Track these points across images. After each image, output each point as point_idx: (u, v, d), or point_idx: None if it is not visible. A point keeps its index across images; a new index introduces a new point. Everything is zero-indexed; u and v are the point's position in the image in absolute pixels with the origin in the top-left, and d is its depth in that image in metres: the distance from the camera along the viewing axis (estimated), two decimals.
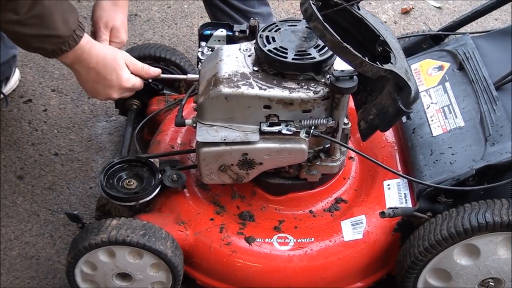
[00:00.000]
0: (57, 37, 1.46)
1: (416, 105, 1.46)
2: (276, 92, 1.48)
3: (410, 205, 1.63)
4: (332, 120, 1.51)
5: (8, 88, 2.28)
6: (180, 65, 2.02)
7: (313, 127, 1.50)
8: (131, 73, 1.67)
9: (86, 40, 1.54)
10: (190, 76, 1.78)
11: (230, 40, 1.79)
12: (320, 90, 1.48)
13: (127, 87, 1.67)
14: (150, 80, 1.97)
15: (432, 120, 1.71)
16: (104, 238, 1.50)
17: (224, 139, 1.51)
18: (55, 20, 1.43)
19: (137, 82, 1.69)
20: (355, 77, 1.45)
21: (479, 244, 1.48)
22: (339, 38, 1.37)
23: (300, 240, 1.61)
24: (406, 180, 1.68)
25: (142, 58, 1.97)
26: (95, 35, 1.73)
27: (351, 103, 1.67)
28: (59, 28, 1.45)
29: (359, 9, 1.58)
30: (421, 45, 1.96)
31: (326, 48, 1.50)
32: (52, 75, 2.40)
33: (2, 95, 2.20)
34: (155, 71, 1.73)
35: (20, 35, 1.46)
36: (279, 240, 1.62)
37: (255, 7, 2.22)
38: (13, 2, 1.37)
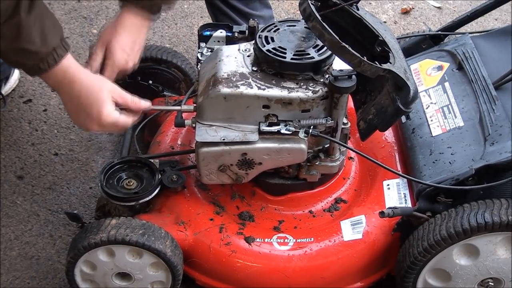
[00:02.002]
0: (33, 53, 1.36)
1: (415, 104, 1.46)
2: (275, 92, 1.48)
3: (410, 205, 1.63)
4: (331, 120, 1.52)
5: (7, 88, 2.28)
6: (181, 67, 2.02)
7: (312, 127, 1.50)
8: (120, 106, 1.51)
9: (70, 62, 1.42)
10: (184, 107, 1.60)
11: (230, 40, 1.79)
12: (319, 90, 1.48)
13: (108, 122, 1.48)
14: (151, 82, 1.98)
15: (431, 120, 1.71)
16: (104, 237, 1.50)
17: (223, 139, 1.51)
18: (32, 34, 1.33)
19: (121, 120, 1.50)
20: (353, 76, 1.45)
21: (479, 244, 1.48)
22: (337, 38, 1.38)
23: (299, 240, 1.62)
24: (405, 180, 1.68)
25: (143, 60, 1.97)
26: (105, 69, 1.63)
27: (351, 103, 1.67)
28: (36, 43, 1.34)
29: (357, 9, 1.58)
30: (420, 45, 1.96)
31: (325, 48, 1.50)
32: None
33: (0, 96, 2.20)
34: (145, 103, 1.55)
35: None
36: (279, 240, 1.62)
37: (257, 9, 2.22)
38: None
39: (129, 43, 1.65)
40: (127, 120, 1.52)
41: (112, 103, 1.48)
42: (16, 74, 2.32)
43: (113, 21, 1.66)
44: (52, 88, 1.51)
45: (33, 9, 1.33)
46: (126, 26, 1.63)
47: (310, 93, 1.48)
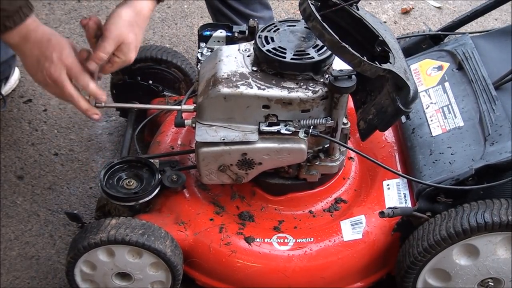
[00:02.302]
0: (1, 11, 1.37)
1: (415, 104, 1.46)
2: (275, 92, 1.48)
3: (410, 205, 1.63)
4: (331, 120, 1.52)
5: (7, 88, 2.28)
6: (181, 67, 2.02)
7: (312, 127, 1.50)
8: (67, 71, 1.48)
9: (33, 19, 1.44)
10: (184, 107, 1.57)
11: (230, 40, 1.79)
12: (319, 90, 1.48)
13: (54, 77, 1.47)
14: (151, 82, 1.98)
15: (431, 120, 1.71)
16: (104, 237, 1.51)
17: (223, 139, 1.51)
18: None
19: (67, 87, 1.48)
20: (353, 76, 1.45)
21: (478, 244, 1.48)
22: (337, 38, 1.38)
23: (299, 240, 1.62)
24: (405, 180, 1.68)
25: (143, 60, 1.98)
26: (100, 40, 1.53)
27: (351, 103, 1.67)
28: (3, 2, 1.36)
29: (357, 9, 1.58)
30: (420, 45, 1.96)
31: (325, 48, 1.50)
32: None
33: (0, 96, 2.20)
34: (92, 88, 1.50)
35: None
36: (279, 240, 1.62)
37: (258, 11, 2.22)
38: None
39: (140, 40, 1.58)
40: (72, 92, 1.49)
41: (61, 66, 1.47)
42: (16, 74, 2.32)
43: (121, 12, 1.53)
44: (12, 47, 1.49)
45: None
46: (141, 21, 1.55)
47: (310, 93, 1.48)
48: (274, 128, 1.50)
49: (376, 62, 1.40)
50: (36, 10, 2.67)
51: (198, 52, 1.76)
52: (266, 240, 1.61)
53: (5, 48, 2.14)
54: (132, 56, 1.55)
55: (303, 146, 1.53)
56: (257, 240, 1.61)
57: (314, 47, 1.51)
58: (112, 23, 1.51)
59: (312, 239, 1.61)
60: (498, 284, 1.55)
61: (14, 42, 1.47)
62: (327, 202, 1.71)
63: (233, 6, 2.17)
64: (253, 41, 1.56)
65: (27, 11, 1.43)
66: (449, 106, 1.71)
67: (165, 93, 2.00)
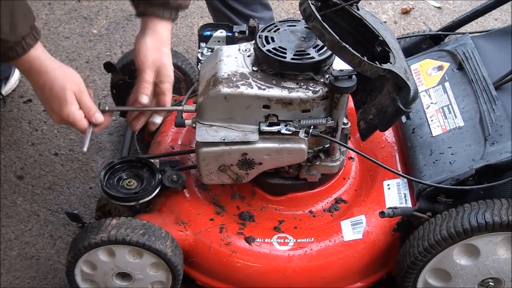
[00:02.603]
0: (2, 41, 1.34)
1: (415, 104, 1.46)
2: (275, 92, 1.48)
3: (410, 205, 1.63)
4: (331, 120, 1.52)
5: (8, 88, 2.28)
6: (181, 67, 2.02)
7: (312, 127, 1.50)
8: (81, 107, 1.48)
9: (38, 52, 1.41)
10: (186, 107, 1.57)
11: (230, 41, 1.79)
12: (319, 90, 1.48)
13: (66, 121, 1.48)
14: None
15: (431, 120, 1.71)
16: (104, 237, 1.50)
17: (224, 139, 1.51)
18: (0, 22, 1.32)
19: (79, 122, 1.48)
20: (354, 76, 1.45)
21: (479, 244, 1.48)
22: (338, 38, 1.37)
23: (300, 240, 1.62)
24: (406, 180, 1.68)
25: None
26: (139, 74, 1.55)
27: (351, 103, 1.67)
28: (4, 31, 1.33)
29: (358, 9, 1.58)
30: (420, 45, 1.96)
31: (325, 48, 1.50)
32: None
33: (0, 96, 2.20)
34: (99, 119, 1.51)
35: None
36: (279, 240, 1.62)
37: (258, 11, 2.22)
38: None
39: (171, 57, 1.61)
40: (82, 123, 1.49)
41: (74, 103, 1.46)
42: (16, 75, 2.32)
43: (146, 42, 1.53)
44: (22, 74, 1.49)
45: None
46: (165, 40, 1.56)
47: (310, 93, 1.48)
48: (274, 128, 1.50)
49: (377, 62, 1.40)
50: (36, 10, 2.68)
51: (199, 52, 1.77)
52: (266, 240, 1.61)
53: None
54: (172, 75, 1.58)
55: (304, 146, 1.53)
56: (258, 240, 1.61)
57: (314, 47, 1.51)
58: (142, 55, 1.52)
59: (312, 239, 1.61)
60: (498, 284, 1.55)
61: (21, 70, 1.46)
62: (327, 202, 1.71)
63: (233, 7, 2.17)
64: (254, 41, 1.56)
65: (31, 42, 1.40)
66: (450, 106, 1.71)
67: None
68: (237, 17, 2.17)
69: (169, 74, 1.57)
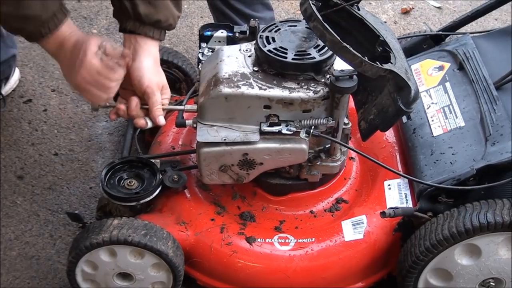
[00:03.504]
0: (34, 18, 1.36)
1: (416, 105, 1.46)
2: (276, 92, 1.48)
3: (411, 205, 1.63)
4: (332, 120, 1.52)
5: (7, 88, 2.28)
6: (182, 67, 2.02)
7: (313, 127, 1.50)
8: (107, 52, 1.46)
9: (69, 26, 1.42)
10: (187, 107, 1.58)
11: (231, 41, 1.79)
12: (320, 90, 1.48)
13: (90, 68, 1.45)
14: None
15: (432, 120, 1.71)
16: (106, 238, 1.50)
17: (225, 139, 1.51)
18: (32, 1, 1.33)
19: (102, 70, 1.45)
20: (354, 77, 1.45)
21: (480, 244, 1.48)
22: (338, 38, 1.37)
23: (300, 240, 1.62)
24: (406, 180, 1.68)
25: None
26: (148, 98, 1.53)
27: (352, 103, 1.67)
28: (36, 8, 1.34)
29: (358, 9, 1.58)
30: (421, 45, 1.96)
31: (326, 48, 1.50)
32: (52, 75, 2.40)
33: (0, 96, 2.20)
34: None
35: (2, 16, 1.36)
36: (280, 240, 1.62)
37: (259, 11, 2.22)
38: None
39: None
40: (109, 72, 1.46)
41: (95, 53, 1.44)
42: (16, 75, 2.32)
43: (144, 64, 1.52)
44: (51, 54, 1.49)
45: None
46: (157, 63, 1.56)
47: (311, 93, 1.48)
48: (275, 128, 1.50)
49: (377, 62, 1.41)
50: None
51: (199, 52, 1.77)
52: (267, 240, 1.61)
53: (5, 48, 2.14)
54: (170, 92, 1.59)
55: (304, 146, 1.53)
56: (258, 240, 1.60)
57: (315, 47, 1.51)
58: (147, 79, 1.51)
59: (313, 239, 1.61)
60: (499, 284, 1.55)
61: (52, 49, 1.46)
62: (328, 202, 1.71)
63: (235, 7, 2.17)
64: (254, 41, 1.56)
65: (61, 17, 1.41)
66: (450, 106, 1.71)
67: None
68: (238, 16, 2.17)
69: (169, 92, 1.59)
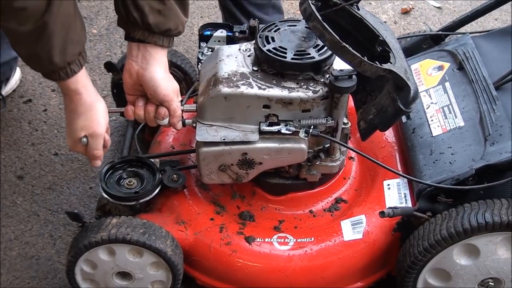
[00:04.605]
0: (48, 63, 1.35)
1: (415, 104, 1.46)
2: (276, 91, 1.48)
3: (410, 205, 1.63)
4: (332, 120, 1.52)
5: (8, 88, 2.28)
6: (182, 67, 2.02)
7: (312, 127, 1.50)
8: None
9: (80, 79, 1.41)
10: (186, 107, 1.59)
11: (230, 40, 1.79)
12: (319, 90, 1.48)
13: (75, 149, 1.55)
14: None
15: (432, 120, 1.71)
16: (104, 236, 1.50)
17: (224, 139, 1.51)
18: (52, 43, 1.31)
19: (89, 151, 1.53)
20: (354, 76, 1.45)
21: (479, 244, 1.48)
22: (338, 38, 1.38)
23: (300, 240, 1.62)
24: (406, 180, 1.68)
25: None
26: (168, 106, 1.54)
27: (351, 103, 1.67)
28: (53, 55, 1.33)
29: (358, 9, 1.58)
30: (421, 45, 1.96)
31: (326, 48, 1.50)
32: None
33: (0, 96, 2.20)
34: (97, 162, 1.57)
35: (17, 43, 1.36)
36: (279, 240, 1.62)
37: (269, 14, 2.21)
38: (20, 11, 1.26)
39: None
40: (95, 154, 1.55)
41: (78, 137, 1.49)
42: (17, 75, 2.32)
43: (157, 73, 1.51)
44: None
45: (60, 15, 1.30)
46: (168, 70, 1.56)
47: (310, 93, 1.48)
48: (274, 128, 1.50)
49: (377, 62, 1.41)
50: None
51: (199, 52, 1.77)
52: (266, 239, 1.61)
53: (7, 49, 2.14)
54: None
55: (304, 146, 1.53)
56: (258, 239, 1.61)
57: (314, 47, 1.51)
58: (161, 87, 1.51)
59: (312, 239, 1.61)
60: (498, 284, 1.55)
61: (61, 88, 1.45)
62: (327, 202, 1.71)
63: (246, 9, 2.16)
64: (254, 41, 1.56)
65: (75, 68, 1.39)
66: (450, 106, 1.71)
67: None
68: (247, 19, 2.16)
69: (180, 96, 1.60)
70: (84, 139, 1.50)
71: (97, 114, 1.48)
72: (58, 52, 1.33)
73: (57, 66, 1.35)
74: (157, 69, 1.50)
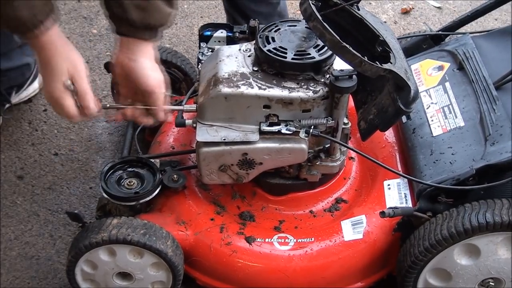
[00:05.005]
0: (20, 23, 1.35)
1: (415, 104, 1.46)
2: (276, 91, 1.48)
3: (410, 205, 1.63)
4: (332, 120, 1.52)
5: (23, 95, 2.23)
6: (182, 67, 2.02)
7: (312, 127, 1.50)
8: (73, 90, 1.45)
9: (53, 35, 1.40)
10: (187, 107, 1.60)
11: (230, 41, 1.79)
12: (319, 90, 1.48)
13: (50, 97, 1.46)
14: None
15: (432, 120, 1.71)
16: (105, 237, 1.50)
17: (224, 139, 1.51)
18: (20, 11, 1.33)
19: (66, 104, 1.44)
20: (354, 76, 1.45)
21: (480, 244, 1.48)
22: (338, 38, 1.38)
23: (300, 240, 1.62)
24: (406, 180, 1.68)
25: None
26: (155, 98, 1.54)
27: (351, 103, 1.67)
28: (23, 14, 1.33)
29: (358, 9, 1.58)
30: (421, 45, 1.96)
31: (326, 48, 1.50)
32: None
33: (9, 104, 2.17)
34: (92, 109, 1.48)
35: None
36: (280, 240, 1.62)
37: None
38: None
39: None
40: (71, 110, 1.46)
41: (61, 83, 1.43)
42: (36, 83, 2.26)
43: (144, 65, 1.52)
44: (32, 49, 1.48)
45: None
46: (156, 62, 1.57)
47: (310, 93, 1.48)
48: (274, 128, 1.50)
49: (377, 62, 1.40)
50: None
51: (199, 52, 1.77)
52: (266, 240, 1.61)
53: (19, 55, 2.10)
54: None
55: (304, 146, 1.53)
56: (258, 240, 1.61)
57: (315, 47, 1.51)
58: (149, 79, 1.52)
59: (312, 239, 1.61)
60: (498, 284, 1.55)
61: (32, 47, 1.44)
62: (327, 202, 1.71)
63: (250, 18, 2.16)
64: (254, 41, 1.56)
65: (48, 24, 1.38)
66: (450, 106, 1.71)
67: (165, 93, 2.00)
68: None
69: (169, 88, 1.60)
70: (69, 82, 1.43)
71: (76, 55, 1.46)
72: (27, 10, 1.34)
73: (28, 24, 1.36)
74: (144, 61, 1.52)
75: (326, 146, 1.62)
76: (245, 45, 1.60)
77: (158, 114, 1.56)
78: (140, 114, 1.57)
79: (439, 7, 2.83)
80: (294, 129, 1.50)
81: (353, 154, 1.80)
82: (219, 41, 1.79)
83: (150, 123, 1.59)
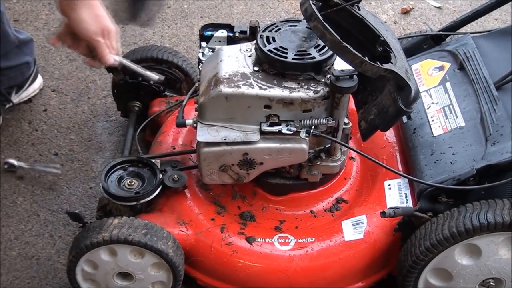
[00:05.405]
0: None
1: (416, 105, 1.46)
2: (276, 92, 1.48)
3: (411, 205, 1.63)
4: (333, 120, 1.52)
5: (24, 95, 2.23)
6: (182, 67, 2.02)
7: (313, 127, 1.50)
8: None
9: None
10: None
11: (231, 41, 1.79)
12: (320, 90, 1.48)
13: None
14: (152, 82, 1.98)
15: (432, 120, 1.71)
16: (106, 237, 1.50)
17: (225, 139, 1.51)
18: None
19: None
20: (355, 76, 1.45)
21: (480, 244, 1.48)
22: (339, 38, 1.37)
23: (301, 240, 1.62)
24: (407, 180, 1.68)
25: (144, 60, 1.98)
26: (95, 45, 1.69)
27: (352, 103, 1.67)
28: None
29: (359, 9, 1.58)
30: (421, 45, 1.96)
31: (326, 48, 1.50)
32: (52, 75, 2.40)
33: (10, 103, 2.17)
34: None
35: None
36: (280, 240, 1.62)
37: None
38: None
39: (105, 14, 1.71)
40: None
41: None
42: (37, 83, 2.27)
43: (81, 9, 1.63)
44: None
45: None
46: (96, 6, 1.66)
47: (311, 93, 1.48)
48: (275, 128, 1.50)
49: (378, 62, 1.41)
50: (36, 10, 2.68)
51: (200, 52, 1.77)
52: (267, 240, 1.61)
53: (18, 54, 2.11)
54: (113, 28, 1.70)
55: (305, 146, 1.53)
56: (259, 240, 1.60)
57: (315, 47, 1.51)
58: (87, 29, 1.64)
59: (313, 239, 1.61)
60: (499, 284, 1.55)
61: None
62: (328, 202, 1.71)
63: None
64: (255, 41, 1.56)
65: None
66: (450, 106, 1.71)
67: (166, 93, 2.00)
68: None
69: (113, 30, 1.70)
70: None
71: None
72: None
73: None
74: (82, 11, 1.62)
75: (327, 146, 1.62)
76: (246, 45, 1.60)
77: (102, 59, 1.68)
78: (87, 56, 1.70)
79: (439, 7, 2.83)
80: (294, 129, 1.50)
81: (354, 154, 1.80)
82: (219, 41, 1.79)
83: (96, 66, 1.73)
